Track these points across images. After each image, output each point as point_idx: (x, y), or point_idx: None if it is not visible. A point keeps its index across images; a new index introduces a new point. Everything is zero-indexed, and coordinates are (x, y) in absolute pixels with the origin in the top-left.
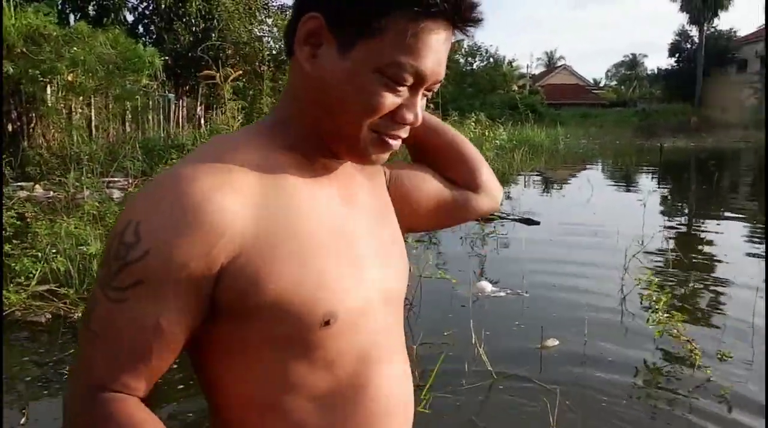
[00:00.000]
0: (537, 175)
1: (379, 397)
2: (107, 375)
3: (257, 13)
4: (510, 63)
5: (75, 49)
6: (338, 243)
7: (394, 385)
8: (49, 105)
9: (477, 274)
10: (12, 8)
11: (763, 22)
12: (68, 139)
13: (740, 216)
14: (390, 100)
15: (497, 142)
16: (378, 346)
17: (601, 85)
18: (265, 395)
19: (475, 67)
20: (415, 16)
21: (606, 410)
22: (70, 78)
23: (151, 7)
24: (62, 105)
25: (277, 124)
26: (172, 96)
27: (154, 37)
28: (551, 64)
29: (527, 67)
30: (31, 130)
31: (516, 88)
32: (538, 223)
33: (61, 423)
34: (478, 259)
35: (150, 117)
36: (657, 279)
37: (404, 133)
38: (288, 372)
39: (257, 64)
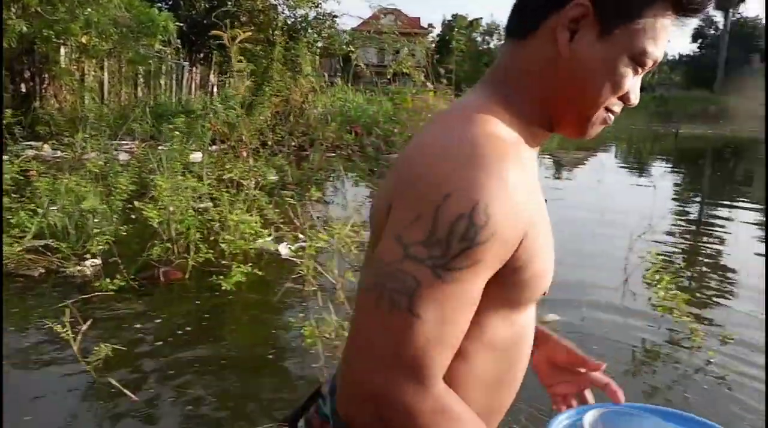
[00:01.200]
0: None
1: (527, 352)
2: (437, 362)
3: None
4: None
5: (89, 10)
6: (547, 221)
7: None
8: (62, 66)
9: None
10: None
11: None
12: (80, 100)
13: (752, 205)
14: (629, 83)
15: None
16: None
17: None
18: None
19: (492, 45)
20: (667, 8)
21: None
22: (84, 40)
23: None
24: (75, 67)
25: (512, 96)
26: (186, 64)
27: (170, 2)
28: None
29: None
30: (43, 91)
31: None
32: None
33: None
34: None
35: (162, 82)
36: (662, 257)
37: (620, 110)
38: (487, 326)
39: (271, 31)
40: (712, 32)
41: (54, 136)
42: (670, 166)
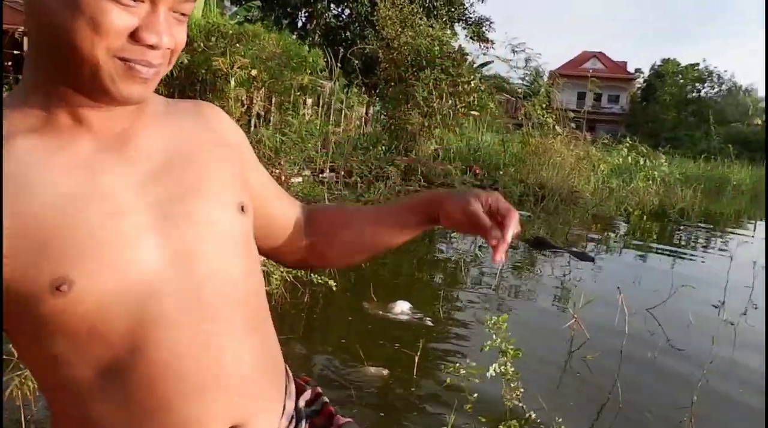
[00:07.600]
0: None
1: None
2: None
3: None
4: (747, 91)
5: (251, 48)
6: (87, 209)
7: None
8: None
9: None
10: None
11: None
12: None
13: None
14: (122, 19)
15: (655, 173)
16: None
17: None
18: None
19: (702, 93)
20: None
21: None
22: (254, 72)
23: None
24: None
25: (23, 90)
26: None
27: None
28: None
29: None
30: None
31: (759, 122)
32: (592, 260)
33: None
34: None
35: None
36: None
37: (155, 58)
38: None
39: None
40: None
41: None
42: None
